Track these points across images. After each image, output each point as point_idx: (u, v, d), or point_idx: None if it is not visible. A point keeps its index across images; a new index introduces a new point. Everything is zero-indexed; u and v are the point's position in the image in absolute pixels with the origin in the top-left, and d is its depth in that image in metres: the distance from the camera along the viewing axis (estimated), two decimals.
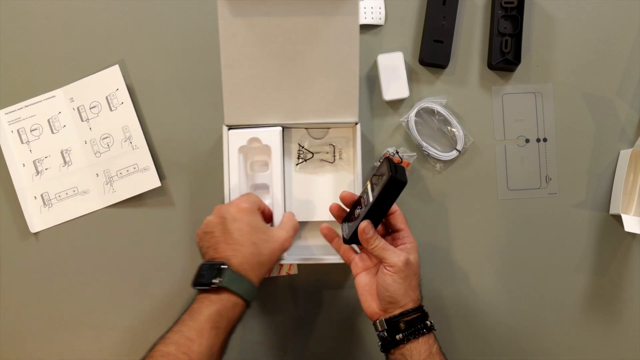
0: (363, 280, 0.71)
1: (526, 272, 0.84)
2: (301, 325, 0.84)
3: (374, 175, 0.69)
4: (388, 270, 0.67)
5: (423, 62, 0.84)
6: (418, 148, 0.83)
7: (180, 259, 0.84)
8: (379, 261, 0.69)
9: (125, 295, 0.84)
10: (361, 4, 0.84)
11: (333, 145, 0.81)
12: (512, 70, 0.85)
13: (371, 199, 0.67)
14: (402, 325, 0.67)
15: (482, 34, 0.85)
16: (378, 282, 0.69)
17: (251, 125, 0.77)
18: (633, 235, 0.84)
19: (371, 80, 0.85)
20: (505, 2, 0.83)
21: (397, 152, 0.83)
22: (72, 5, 0.85)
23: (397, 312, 0.67)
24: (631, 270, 0.84)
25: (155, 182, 0.83)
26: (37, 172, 0.84)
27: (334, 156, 0.81)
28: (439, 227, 0.84)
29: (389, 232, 0.73)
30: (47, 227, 0.84)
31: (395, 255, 0.67)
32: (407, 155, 0.83)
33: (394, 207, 0.71)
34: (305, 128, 0.81)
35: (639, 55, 0.85)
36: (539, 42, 0.85)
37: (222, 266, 0.66)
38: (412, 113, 0.83)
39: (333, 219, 0.74)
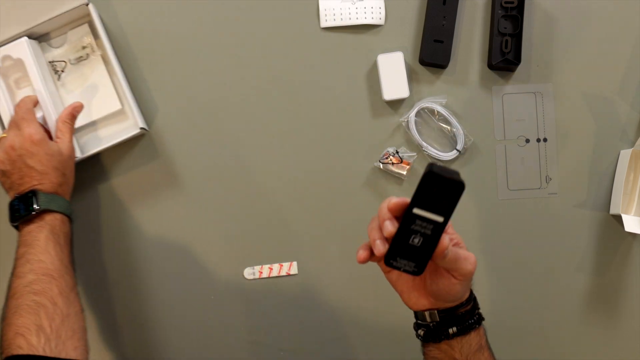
0: (403, 277, 0.62)
1: (526, 272, 0.84)
2: (301, 326, 0.84)
3: (418, 195, 0.57)
4: (459, 278, 0.58)
5: (423, 62, 0.84)
6: (418, 148, 0.83)
7: (179, 259, 0.84)
8: (447, 271, 0.59)
9: (123, 293, 0.84)
10: (361, 4, 0.84)
11: (81, 44, 0.83)
12: (512, 70, 0.85)
13: (440, 219, 0.56)
14: (456, 318, 0.60)
15: (482, 33, 0.85)
16: (441, 287, 0.59)
17: None
18: (633, 235, 0.84)
19: (371, 80, 0.85)
20: (506, 2, 0.83)
21: (397, 152, 0.83)
22: None
23: (451, 305, 0.60)
24: (631, 271, 0.84)
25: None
26: None
27: (87, 49, 0.82)
28: None
29: None
30: None
31: (468, 263, 0.58)
32: (407, 155, 0.83)
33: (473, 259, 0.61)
34: (40, 37, 0.82)
35: None
36: (539, 42, 0.85)
37: (34, 194, 0.70)
38: (412, 113, 0.83)
39: None
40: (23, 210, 0.70)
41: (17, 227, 0.71)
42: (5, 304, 0.65)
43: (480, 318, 0.62)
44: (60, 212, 0.71)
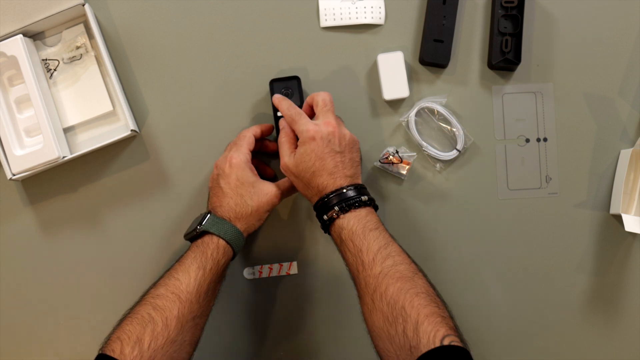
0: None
1: (526, 272, 0.84)
2: (301, 325, 0.84)
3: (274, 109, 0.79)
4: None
5: (423, 61, 0.84)
6: (418, 148, 0.83)
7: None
8: None
9: (119, 294, 0.84)
10: (361, 4, 0.84)
11: (75, 44, 0.82)
12: (512, 69, 0.84)
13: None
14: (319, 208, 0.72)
15: (482, 33, 0.85)
16: None
17: None
18: (634, 235, 0.83)
19: (371, 80, 0.85)
20: (506, 2, 0.83)
21: (397, 152, 0.83)
22: None
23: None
24: (632, 270, 0.84)
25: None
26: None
27: (81, 49, 0.82)
28: (438, 227, 0.84)
29: None
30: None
31: (281, 158, 0.74)
32: (407, 155, 0.83)
33: (316, 98, 0.75)
34: (35, 36, 0.82)
35: None
36: (539, 42, 0.85)
37: (208, 214, 0.72)
38: (412, 113, 0.83)
39: None
40: (191, 227, 0.72)
41: (191, 241, 0.73)
42: (132, 305, 0.68)
43: (330, 219, 0.70)
44: (222, 238, 0.71)
